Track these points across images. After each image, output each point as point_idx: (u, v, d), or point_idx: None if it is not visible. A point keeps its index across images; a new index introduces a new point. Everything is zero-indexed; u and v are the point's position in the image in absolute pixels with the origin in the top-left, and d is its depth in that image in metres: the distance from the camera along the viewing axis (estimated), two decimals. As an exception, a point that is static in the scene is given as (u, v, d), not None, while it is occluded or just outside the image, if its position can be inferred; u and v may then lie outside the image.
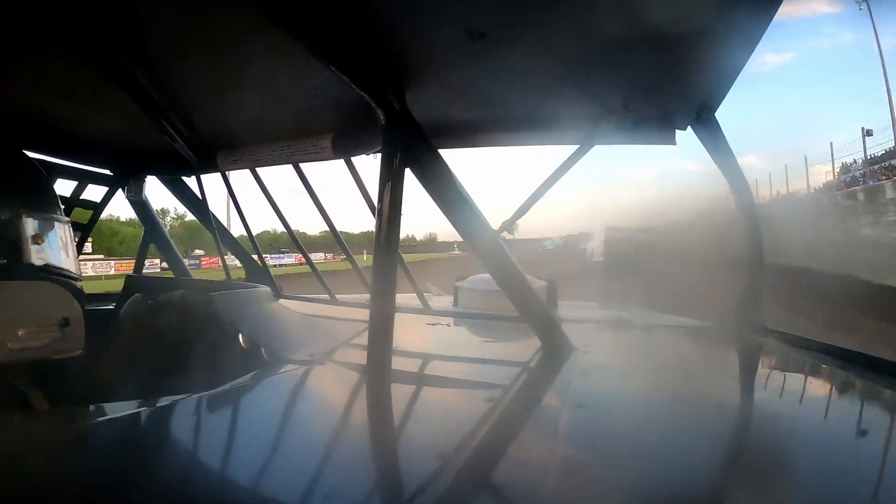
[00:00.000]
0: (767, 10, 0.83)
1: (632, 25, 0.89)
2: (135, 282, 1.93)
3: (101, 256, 24.91)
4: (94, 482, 0.59)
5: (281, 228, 2.12)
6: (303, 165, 1.70)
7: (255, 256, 2.28)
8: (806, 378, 1.20)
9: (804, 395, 1.06)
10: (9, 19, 0.97)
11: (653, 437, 0.78)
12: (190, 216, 2.23)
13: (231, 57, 1.11)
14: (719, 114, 1.23)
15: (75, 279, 1.12)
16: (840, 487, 0.63)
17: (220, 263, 2.17)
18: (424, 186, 1.11)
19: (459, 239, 1.18)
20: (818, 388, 1.13)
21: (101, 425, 0.81)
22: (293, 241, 2.20)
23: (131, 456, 0.68)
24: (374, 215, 1.09)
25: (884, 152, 16.22)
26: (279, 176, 2.06)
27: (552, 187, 1.37)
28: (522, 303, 1.23)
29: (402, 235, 1.24)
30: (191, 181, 2.07)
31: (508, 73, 1.08)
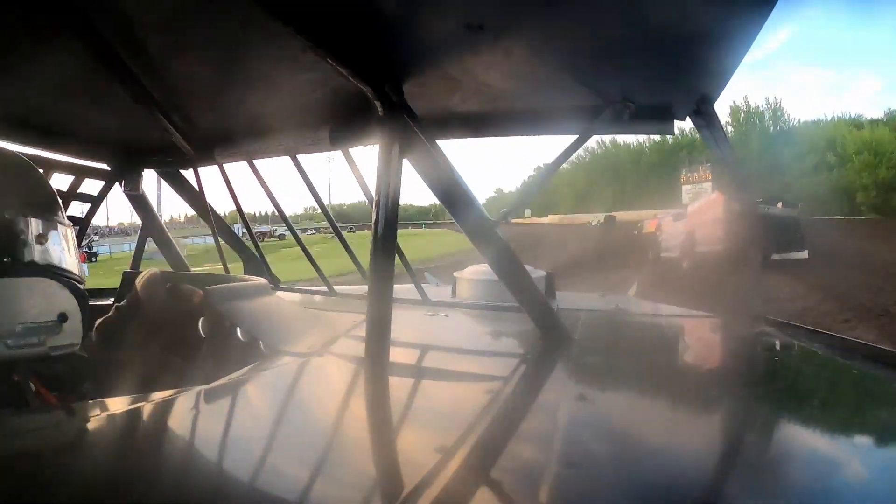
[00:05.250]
0: (767, 3, 0.83)
1: (631, 16, 0.89)
2: (132, 277, 1.93)
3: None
4: (93, 476, 0.59)
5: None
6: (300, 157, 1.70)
7: (252, 248, 2.28)
8: (805, 368, 1.20)
9: (802, 385, 1.07)
10: (5, 14, 0.96)
11: (651, 427, 0.78)
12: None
13: (228, 50, 1.10)
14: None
15: (74, 274, 1.12)
16: (839, 476, 0.64)
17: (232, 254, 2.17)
18: (422, 177, 1.11)
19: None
20: (817, 377, 1.14)
21: (97, 420, 0.81)
22: (291, 232, 2.20)
23: (129, 450, 0.68)
24: (371, 207, 1.09)
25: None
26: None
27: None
28: (521, 293, 1.24)
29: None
30: (188, 174, 2.06)
31: (507, 64, 1.08)
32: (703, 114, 1.22)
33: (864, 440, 0.75)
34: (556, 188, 44.35)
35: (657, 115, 1.26)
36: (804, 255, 10.65)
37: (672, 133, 1.30)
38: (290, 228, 2.20)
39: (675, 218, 13.09)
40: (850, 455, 0.70)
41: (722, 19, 0.87)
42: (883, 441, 0.76)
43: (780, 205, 11.85)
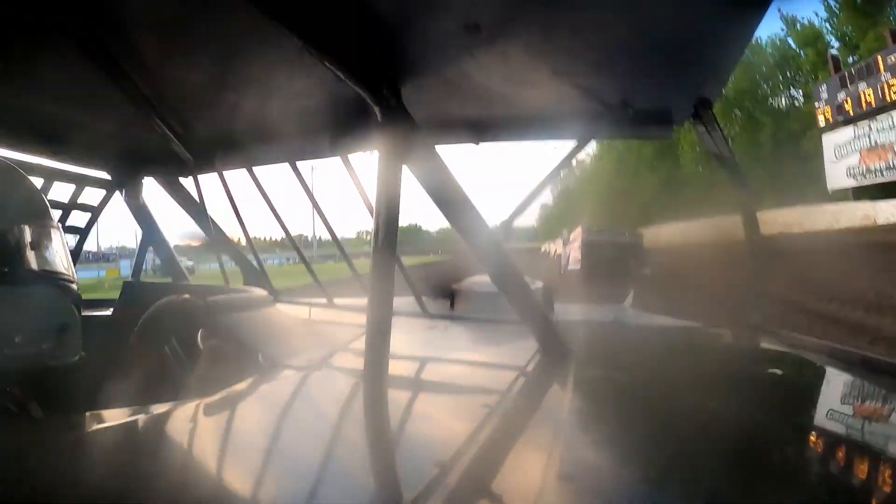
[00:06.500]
0: (762, 3, 0.83)
1: (629, 20, 0.89)
2: (132, 287, 1.93)
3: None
4: (91, 489, 0.58)
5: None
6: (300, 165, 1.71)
7: (252, 260, 2.27)
8: (803, 379, 1.19)
9: (801, 396, 1.05)
10: (5, 21, 0.96)
11: (652, 440, 0.77)
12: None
13: (227, 57, 1.11)
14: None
15: (71, 284, 1.12)
16: (838, 488, 0.62)
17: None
18: (421, 184, 1.10)
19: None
20: (816, 388, 1.12)
21: (97, 432, 0.80)
22: (291, 243, 2.20)
23: (128, 462, 0.67)
24: (371, 215, 1.08)
25: None
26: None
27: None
28: (520, 305, 1.22)
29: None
30: (188, 183, 2.07)
31: (505, 69, 1.08)
32: (702, 116, 1.22)
33: (865, 450, 0.74)
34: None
35: (656, 119, 1.25)
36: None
37: (670, 138, 1.30)
38: (290, 239, 2.20)
39: (564, 243, 17.44)
40: (851, 465, 0.69)
41: (719, 23, 0.87)
42: (884, 451, 0.75)
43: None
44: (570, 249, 16.26)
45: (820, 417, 0.91)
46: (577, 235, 15.80)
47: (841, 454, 0.73)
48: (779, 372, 1.25)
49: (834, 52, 17.32)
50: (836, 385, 1.14)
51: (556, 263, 17.47)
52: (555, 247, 19.46)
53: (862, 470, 0.68)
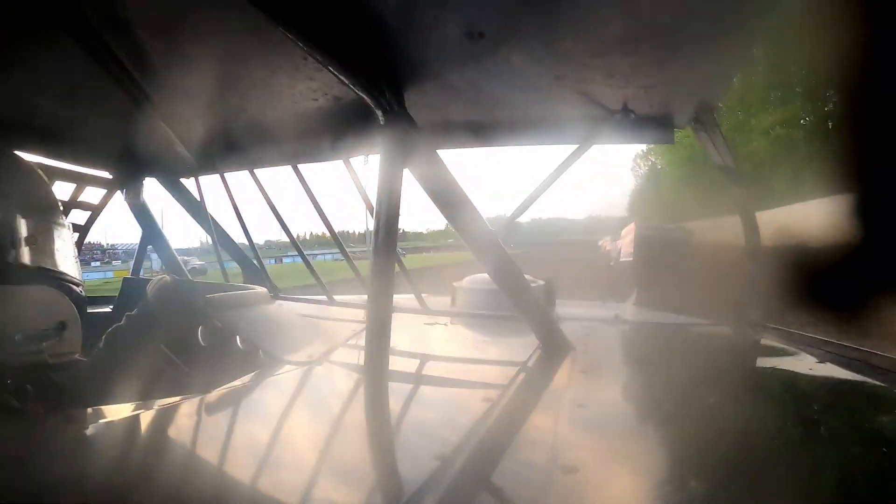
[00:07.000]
0: (766, 8, 0.83)
1: (631, 25, 0.89)
2: (132, 284, 1.93)
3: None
4: (93, 485, 0.59)
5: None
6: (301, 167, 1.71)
7: (252, 258, 2.28)
8: (804, 375, 1.19)
9: (802, 392, 1.06)
10: (7, 21, 0.97)
11: (651, 436, 0.78)
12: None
13: (230, 58, 1.11)
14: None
15: (74, 282, 1.12)
16: (838, 484, 0.63)
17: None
18: (423, 187, 1.11)
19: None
20: (816, 384, 1.13)
21: (98, 428, 0.80)
22: (291, 241, 2.19)
23: (129, 458, 0.68)
24: (372, 216, 1.09)
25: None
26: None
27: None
28: (520, 302, 1.23)
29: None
30: (189, 183, 2.07)
31: (507, 73, 1.08)
32: (703, 121, 1.22)
33: (864, 447, 0.75)
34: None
35: (658, 124, 1.26)
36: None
37: (671, 142, 1.30)
38: (291, 237, 2.20)
39: (613, 238, 17.07)
40: (851, 462, 0.69)
41: (721, 28, 0.87)
42: (883, 448, 0.75)
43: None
44: (621, 244, 17.35)
45: (819, 415, 0.91)
46: (629, 231, 16.65)
47: (842, 452, 0.73)
48: (775, 368, 1.25)
49: None
50: (832, 380, 1.15)
51: (605, 256, 18.16)
52: (606, 243, 21.06)
53: (857, 464, 0.68)
